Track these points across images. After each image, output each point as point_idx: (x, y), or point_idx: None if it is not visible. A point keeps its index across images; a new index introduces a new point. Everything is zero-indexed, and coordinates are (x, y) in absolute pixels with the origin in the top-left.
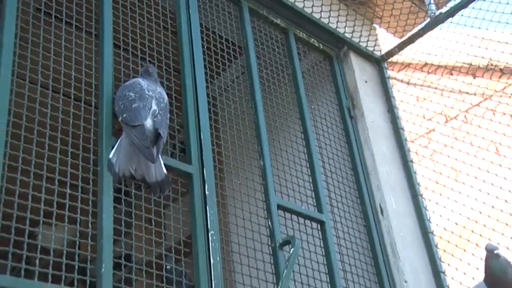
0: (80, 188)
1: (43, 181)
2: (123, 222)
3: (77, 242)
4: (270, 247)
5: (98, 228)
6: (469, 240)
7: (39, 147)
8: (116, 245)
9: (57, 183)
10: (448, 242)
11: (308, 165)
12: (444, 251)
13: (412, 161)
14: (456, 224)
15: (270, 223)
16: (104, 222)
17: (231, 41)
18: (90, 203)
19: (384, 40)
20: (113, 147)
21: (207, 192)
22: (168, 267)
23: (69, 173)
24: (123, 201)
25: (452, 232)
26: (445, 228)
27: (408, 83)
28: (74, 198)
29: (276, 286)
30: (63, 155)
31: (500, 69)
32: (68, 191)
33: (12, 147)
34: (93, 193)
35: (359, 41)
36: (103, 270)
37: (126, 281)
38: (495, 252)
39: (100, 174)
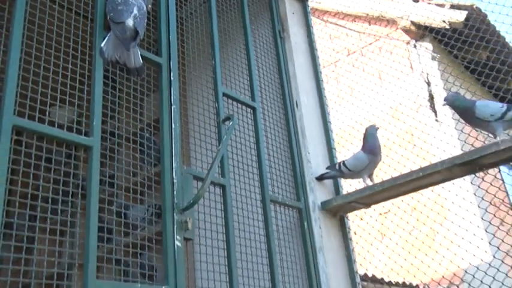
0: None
1: (50, 72)
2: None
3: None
4: (216, 122)
5: (91, 102)
6: (355, 137)
7: (48, 48)
8: (104, 124)
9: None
10: (341, 137)
11: (247, 68)
12: (338, 143)
13: (321, 72)
14: (348, 125)
15: (216, 105)
16: (96, 94)
17: None
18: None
19: None
20: (104, 39)
21: (172, 79)
22: (147, 135)
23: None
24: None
25: (344, 130)
26: (340, 128)
27: (325, 24)
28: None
29: (218, 146)
30: (66, 55)
31: (388, 19)
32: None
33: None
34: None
35: None
36: (94, 147)
37: (111, 150)
38: (370, 129)
39: (93, 59)
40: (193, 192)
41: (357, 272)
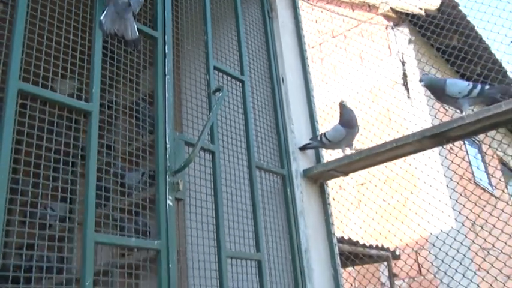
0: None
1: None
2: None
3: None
4: (207, 93)
5: (90, 70)
6: (335, 111)
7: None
8: (103, 95)
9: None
10: (324, 111)
11: (237, 44)
12: (320, 116)
13: (306, 51)
14: (331, 102)
15: (208, 78)
16: (95, 63)
17: None
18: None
19: None
20: (102, 12)
21: (166, 51)
22: (142, 106)
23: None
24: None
25: (326, 105)
26: (323, 103)
27: (312, 8)
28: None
29: (208, 115)
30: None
31: (369, 5)
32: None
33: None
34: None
35: None
36: (93, 112)
37: (109, 117)
38: (343, 103)
39: (93, 31)
40: (184, 157)
41: (334, 234)
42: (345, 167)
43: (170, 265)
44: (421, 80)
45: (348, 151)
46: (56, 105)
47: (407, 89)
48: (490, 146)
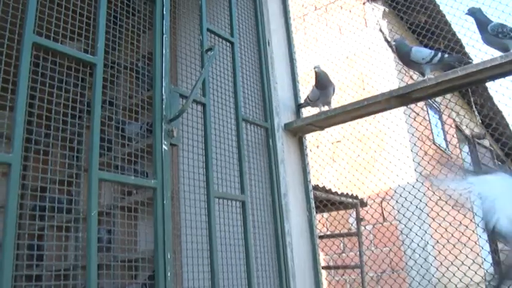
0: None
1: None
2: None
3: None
4: (200, 52)
5: (96, 27)
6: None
7: None
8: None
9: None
10: (308, 74)
11: (228, 8)
12: (305, 80)
13: (290, 18)
14: (312, 66)
15: (201, 38)
16: (100, 21)
17: None
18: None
19: None
20: None
21: (164, 12)
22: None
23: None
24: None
25: (311, 70)
26: (307, 67)
27: None
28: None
29: (201, 70)
30: None
31: None
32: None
33: None
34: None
35: None
36: (97, 64)
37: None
38: (315, 69)
39: None
40: (179, 107)
41: (309, 181)
42: (321, 122)
43: (165, 201)
44: (395, 41)
45: (326, 108)
46: (65, 57)
47: (380, 58)
48: (449, 115)
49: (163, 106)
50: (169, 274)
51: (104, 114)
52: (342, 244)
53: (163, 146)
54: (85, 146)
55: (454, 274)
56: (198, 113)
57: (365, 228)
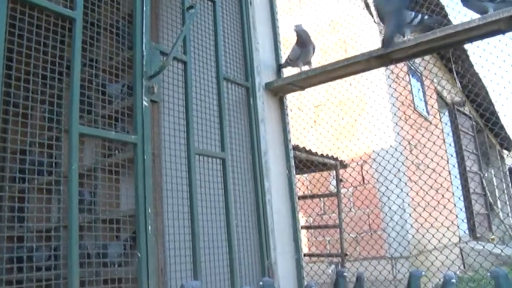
0: None
1: None
2: None
3: None
4: (181, 10)
5: None
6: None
7: None
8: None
9: None
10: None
11: None
12: (290, 43)
13: None
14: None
15: None
16: None
17: None
18: None
19: None
20: None
21: None
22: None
23: None
24: None
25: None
26: (287, 32)
27: None
28: None
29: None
30: None
31: None
32: None
33: None
34: None
35: None
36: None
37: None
38: (295, 28)
39: None
40: (159, 64)
41: (290, 140)
42: (301, 82)
43: (145, 157)
44: (374, 1)
45: (306, 68)
46: (43, 11)
47: (371, 14)
48: (428, 78)
49: (144, 62)
50: (149, 228)
51: (84, 76)
52: (323, 205)
53: (144, 102)
54: (65, 108)
55: (433, 235)
56: (179, 71)
57: (348, 190)
